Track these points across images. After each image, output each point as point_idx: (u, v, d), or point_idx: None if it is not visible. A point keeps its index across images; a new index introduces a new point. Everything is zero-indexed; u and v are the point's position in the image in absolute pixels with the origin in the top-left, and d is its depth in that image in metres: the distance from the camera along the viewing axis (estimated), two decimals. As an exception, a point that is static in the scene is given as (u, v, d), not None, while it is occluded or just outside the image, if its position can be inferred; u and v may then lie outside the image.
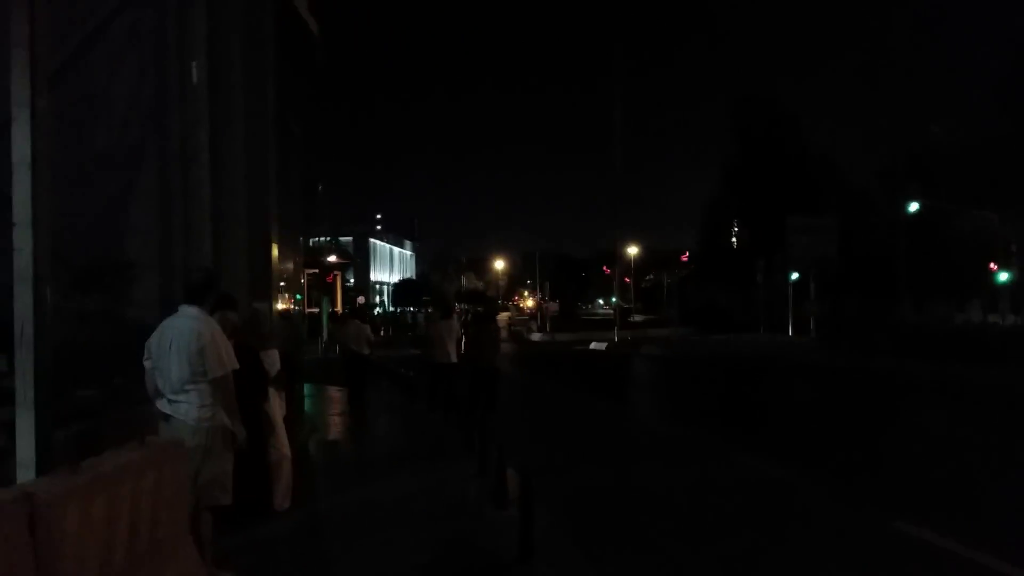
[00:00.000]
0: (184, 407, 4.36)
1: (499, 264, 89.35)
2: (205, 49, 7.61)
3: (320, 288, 39.57)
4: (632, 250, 68.91)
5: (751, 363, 28.02)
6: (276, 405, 6.36)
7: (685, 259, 79.33)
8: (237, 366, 4.52)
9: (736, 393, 19.26)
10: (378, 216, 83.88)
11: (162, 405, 4.44)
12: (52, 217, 3.94)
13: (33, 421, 3.82)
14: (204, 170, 7.59)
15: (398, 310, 71.33)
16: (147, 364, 4.50)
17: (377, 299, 78.33)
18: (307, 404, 13.58)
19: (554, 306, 73.64)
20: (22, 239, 3.82)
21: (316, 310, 37.37)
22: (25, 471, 3.84)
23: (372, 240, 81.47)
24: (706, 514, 6.98)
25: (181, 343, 4.37)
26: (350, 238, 74.90)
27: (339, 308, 44.29)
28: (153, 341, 4.48)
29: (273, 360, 6.35)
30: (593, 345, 41.79)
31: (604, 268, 76.07)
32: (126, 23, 7.48)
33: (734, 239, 62.90)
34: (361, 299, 58.28)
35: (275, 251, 8.48)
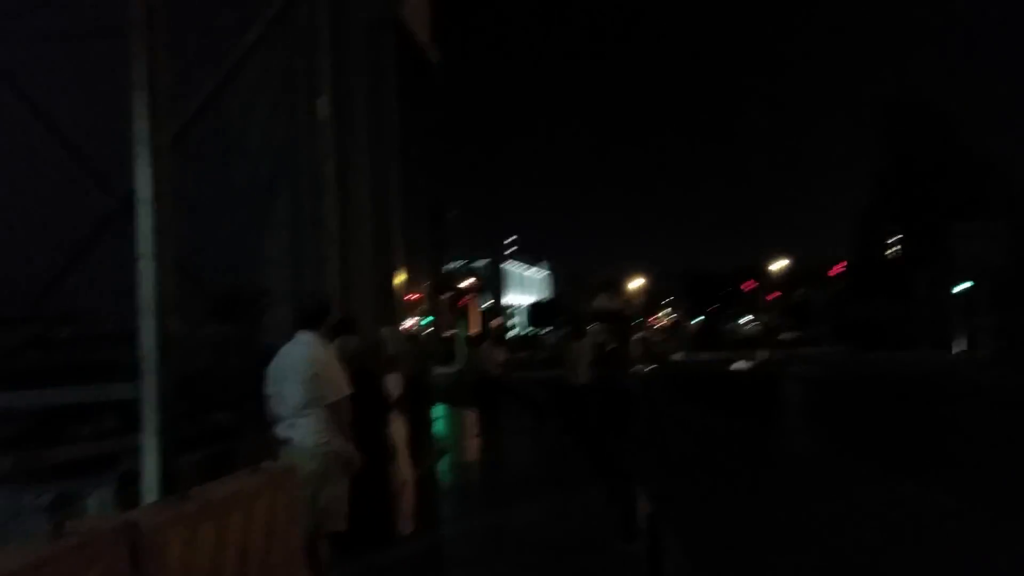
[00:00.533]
0: (301, 432, 4.40)
1: (635, 283, 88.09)
2: (331, 83, 7.88)
3: (455, 311, 40.52)
4: (777, 264, 65.79)
5: (915, 383, 25.77)
6: (398, 429, 6.37)
7: (835, 272, 74.80)
8: (352, 391, 4.52)
9: (900, 415, 17.68)
10: (511, 238, 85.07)
11: (281, 430, 4.50)
12: (174, 251, 4.09)
13: (157, 446, 3.95)
14: (332, 200, 7.83)
15: (533, 331, 71.77)
16: (268, 391, 4.60)
17: (512, 321, 79.28)
18: (438, 426, 13.74)
19: (694, 324, 71.48)
20: (145, 272, 3.98)
21: (452, 333, 38.23)
22: (150, 495, 3.96)
23: (506, 263, 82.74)
24: (856, 553, 6.30)
25: (296, 369, 4.42)
26: (484, 262, 76.47)
27: (473, 331, 45.22)
28: (272, 368, 4.58)
29: (395, 384, 6.37)
30: (737, 365, 39.98)
31: (746, 283, 73.15)
32: (258, 64, 7.88)
33: (889, 250, 58.70)
34: (496, 321, 59.23)
35: (400, 276, 8.60)
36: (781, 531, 7.03)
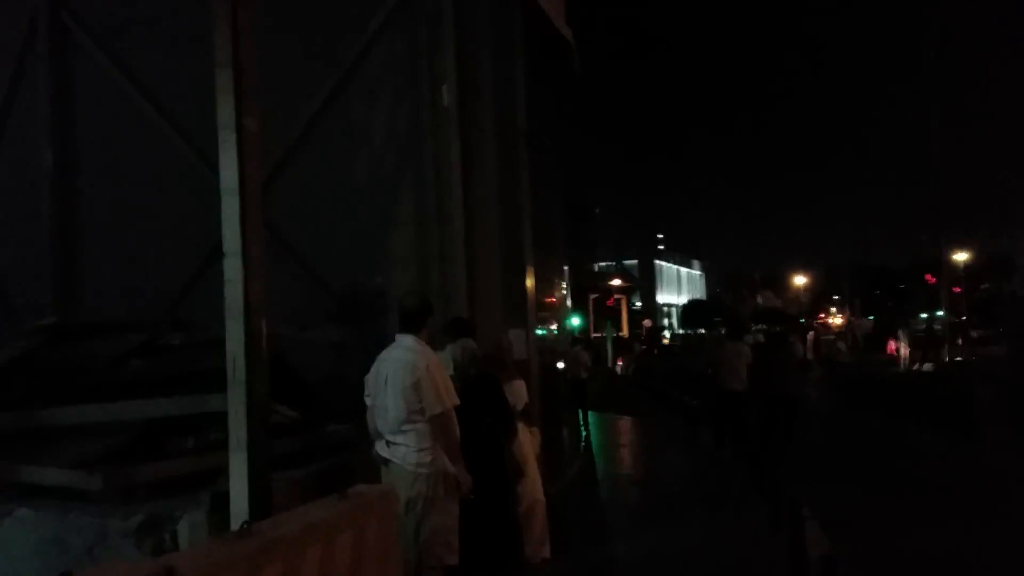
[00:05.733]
0: (402, 450, 3.87)
1: (799, 279, 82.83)
2: (455, 69, 7.41)
3: (603, 313, 39.64)
4: (960, 256, 59.38)
5: None
6: (527, 443, 5.72)
7: (1026, 264, 66.49)
8: (457, 402, 3.92)
9: None
10: (659, 236, 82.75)
11: (380, 448, 3.99)
12: (261, 246, 3.66)
13: (246, 464, 3.52)
14: (457, 194, 7.36)
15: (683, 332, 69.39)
16: (368, 401, 4.10)
17: (665, 321, 77.03)
18: (591, 435, 13.04)
19: (867, 322, 66.06)
20: (232, 269, 3.58)
21: (600, 335, 37.41)
22: (238, 519, 3.54)
23: (657, 262, 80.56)
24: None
25: (395, 377, 3.89)
26: (636, 262, 74.83)
27: (624, 332, 44.05)
28: (371, 376, 4.07)
29: (519, 393, 5.73)
30: (919, 366, 36.24)
31: (927, 277, 66.65)
32: (380, 54, 7.56)
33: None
34: (647, 322, 57.60)
35: (531, 275, 7.98)
36: (982, 570, 5.71)
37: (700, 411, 12.97)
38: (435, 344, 5.71)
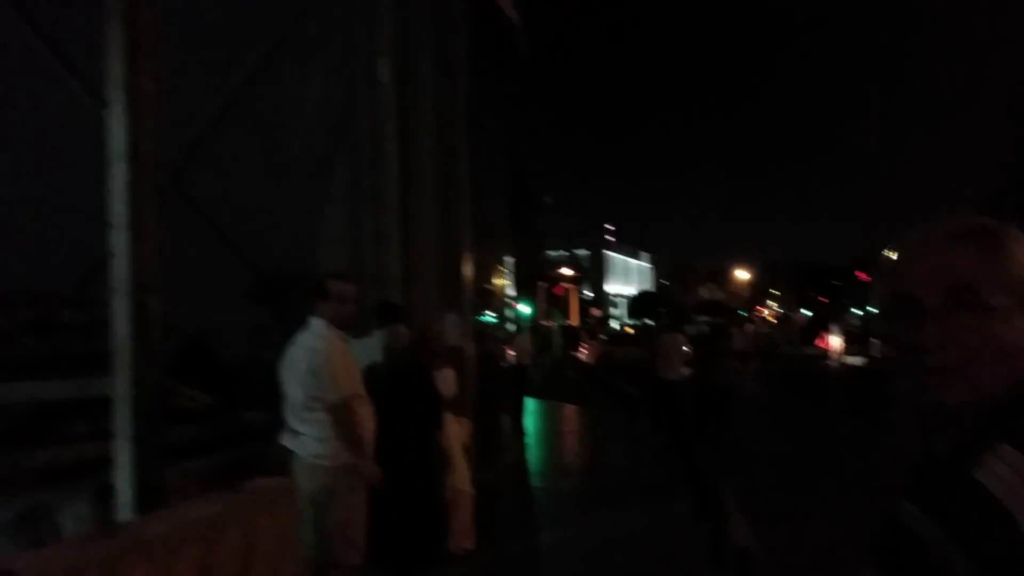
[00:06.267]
0: (302, 440, 3.63)
1: (741, 274, 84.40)
2: (393, 43, 7.11)
3: (552, 302, 39.64)
4: (894, 254, 61.20)
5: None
6: (454, 434, 5.53)
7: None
8: (359, 392, 3.64)
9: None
10: (610, 227, 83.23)
11: (285, 438, 3.74)
12: (155, 216, 3.38)
13: (131, 454, 3.25)
14: (393, 173, 7.08)
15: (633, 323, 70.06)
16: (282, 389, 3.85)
17: (613, 311, 77.65)
18: (527, 422, 12.91)
19: (804, 316, 67.73)
20: (119, 242, 3.28)
21: (550, 323, 37.38)
22: (125, 512, 3.27)
23: (607, 252, 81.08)
24: None
25: (298, 361, 3.65)
26: (586, 251, 75.12)
27: (574, 321, 44.11)
28: (282, 362, 3.81)
29: (448, 382, 5.53)
30: (850, 360, 37.31)
31: (857, 274, 68.70)
32: (314, 24, 7.21)
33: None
34: (596, 312, 57.91)
35: (469, 259, 7.77)
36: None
37: (639, 400, 12.98)
38: (364, 329, 5.48)
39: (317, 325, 3.75)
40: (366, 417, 3.74)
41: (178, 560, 2.52)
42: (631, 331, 54.49)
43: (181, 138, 7.13)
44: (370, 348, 5.18)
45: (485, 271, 10.53)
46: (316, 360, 3.60)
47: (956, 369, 0.91)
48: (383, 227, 7.15)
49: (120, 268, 3.27)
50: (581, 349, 33.07)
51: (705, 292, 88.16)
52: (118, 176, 3.30)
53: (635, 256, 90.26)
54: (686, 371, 11.49)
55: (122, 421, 3.27)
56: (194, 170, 7.04)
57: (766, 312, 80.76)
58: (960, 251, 0.94)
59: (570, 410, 15.71)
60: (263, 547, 2.96)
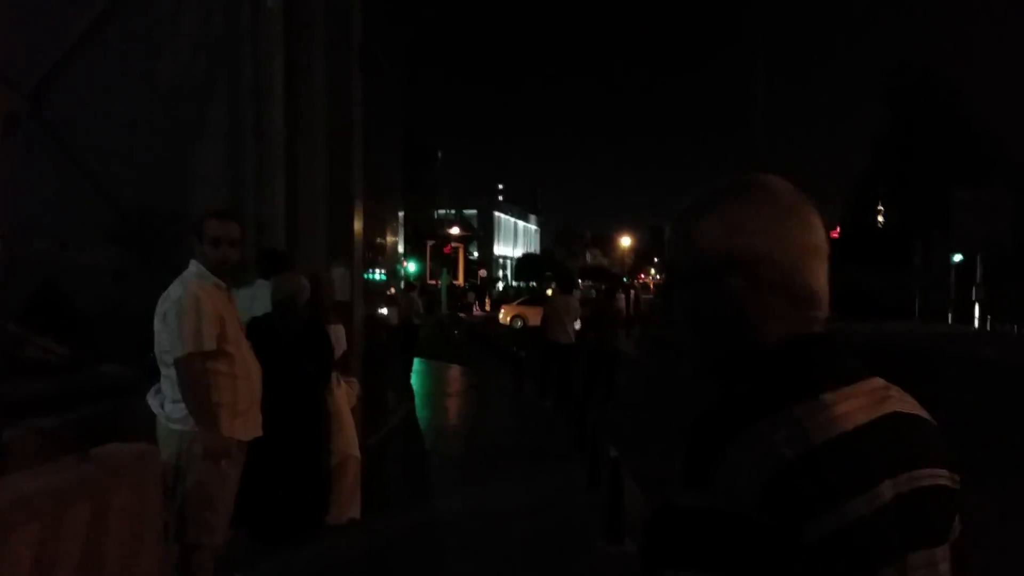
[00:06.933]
0: (159, 400, 3.16)
1: (625, 240, 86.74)
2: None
3: (440, 260, 39.21)
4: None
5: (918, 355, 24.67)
6: (341, 395, 5.13)
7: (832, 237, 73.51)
8: (204, 348, 3.14)
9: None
10: (499, 187, 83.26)
11: (150, 396, 3.25)
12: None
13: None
14: (278, 109, 6.48)
15: (520, 284, 70.74)
16: None
17: (500, 273, 78.06)
18: (417, 383, 12.58)
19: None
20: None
21: (436, 282, 36.94)
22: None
23: (496, 213, 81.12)
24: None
25: (159, 311, 3.15)
26: (475, 211, 74.87)
27: (460, 281, 43.77)
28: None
29: (339, 339, 5.11)
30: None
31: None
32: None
33: (881, 217, 57.54)
34: (483, 272, 57.88)
35: (360, 208, 7.29)
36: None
37: (526, 362, 12.91)
38: (243, 278, 4.95)
39: (190, 270, 3.24)
40: (244, 376, 3.27)
41: (10, 539, 2.07)
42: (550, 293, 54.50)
43: (41, 60, 6.27)
44: (249, 298, 4.70)
45: (377, 224, 10.01)
46: (167, 308, 3.11)
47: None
48: (265, 167, 6.57)
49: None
50: (476, 309, 32.78)
51: (589, 257, 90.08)
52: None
53: (524, 218, 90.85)
54: (574, 335, 11.52)
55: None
56: (54, 94, 6.21)
57: (647, 279, 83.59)
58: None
59: (456, 371, 15.50)
60: (116, 524, 2.52)
